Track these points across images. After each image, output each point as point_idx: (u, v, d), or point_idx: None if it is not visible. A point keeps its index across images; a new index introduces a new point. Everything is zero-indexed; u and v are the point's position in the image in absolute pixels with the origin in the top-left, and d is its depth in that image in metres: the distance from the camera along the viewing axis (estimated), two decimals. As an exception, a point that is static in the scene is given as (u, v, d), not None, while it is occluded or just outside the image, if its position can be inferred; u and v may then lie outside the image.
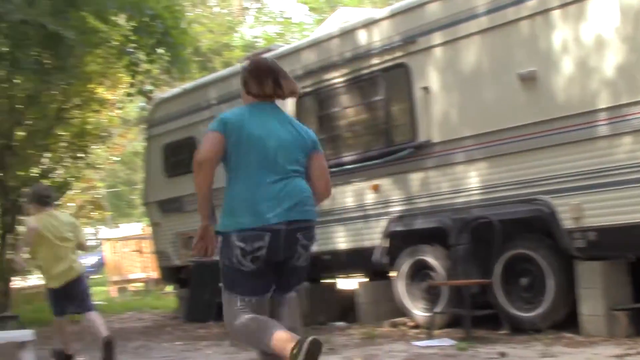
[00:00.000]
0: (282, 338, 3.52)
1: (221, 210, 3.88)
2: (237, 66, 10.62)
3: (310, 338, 3.42)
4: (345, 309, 9.07)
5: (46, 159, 13.07)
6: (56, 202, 7.54)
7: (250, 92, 3.97)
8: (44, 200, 6.91)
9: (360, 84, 8.47)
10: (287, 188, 3.80)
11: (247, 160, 3.81)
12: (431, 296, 7.71)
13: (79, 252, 7.09)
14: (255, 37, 26.71)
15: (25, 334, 5.58)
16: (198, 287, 10.42)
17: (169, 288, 16.11)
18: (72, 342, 7.07)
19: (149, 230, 17.72)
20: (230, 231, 3.77)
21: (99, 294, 20.41)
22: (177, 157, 11.14)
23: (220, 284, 3.90)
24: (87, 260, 30.63)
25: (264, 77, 3.91)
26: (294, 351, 3.40)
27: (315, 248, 8.60)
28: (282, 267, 3.84)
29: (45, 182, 12.55)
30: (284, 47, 10.08)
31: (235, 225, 3.76)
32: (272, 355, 3.63)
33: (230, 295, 3.82)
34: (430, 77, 7.73)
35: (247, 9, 29.45)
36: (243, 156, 3.82)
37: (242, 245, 3.71)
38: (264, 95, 3.93)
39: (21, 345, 5.50)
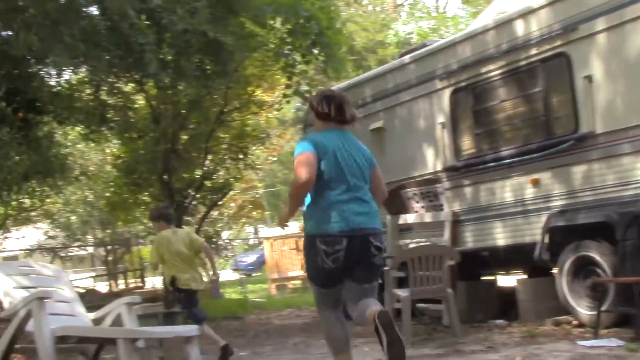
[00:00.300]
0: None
1: (306, 216, 4.66)
2: (392, 63, 10.62)
3: (376, 311, 4.22)
4: (505, 306, 8.84)
5: (208, 161, 13.59)
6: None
7: (320, 116, 4.76)
8: (168, 218, 7.61)
9: (518, 76, 8.23)
10: (359, 200, 4.60)
11: (329, 176, 4.55)
12: (596, 294, 7.34)
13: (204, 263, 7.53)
14: (409, 33, 26.57)
15: (191, 329, 5.81)
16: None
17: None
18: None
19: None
20: (315, 235, 4.55)
21: (259, 291, 21.07)
22: (333, 156, 11.26)
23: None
24: (248, 258, 31.79)
25: (330, 103, 4.70)
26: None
27: (472, 244, 8.58)
28: (358, 264, 4.55)
29: (208, 184, 13.12)
30: (439, 42, 9.97)
31: (320, 230, 4.53)
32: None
33: (312, 285, 4.79)
34: (593, 66, 7.39)
35: (400, 5, 29.38)
36: (326, 173, 4.55)
37: (325, 247, 4.48)
38: (331, 118, 4.70)
39: (187, 339, 5.75)
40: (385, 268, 7.90)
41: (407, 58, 9.95)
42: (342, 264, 4.50)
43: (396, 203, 9.55)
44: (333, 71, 10.55)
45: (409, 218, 9.56)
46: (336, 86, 11.60)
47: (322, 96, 4.83)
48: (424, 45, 10.06)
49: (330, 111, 4.70)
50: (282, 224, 4.94)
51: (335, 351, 4.67)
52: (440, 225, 9.05)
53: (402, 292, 7.63)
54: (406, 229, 9.69)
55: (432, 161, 9.38)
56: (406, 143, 9.80)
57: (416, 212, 9.49)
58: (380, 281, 4.61)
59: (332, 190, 4.54)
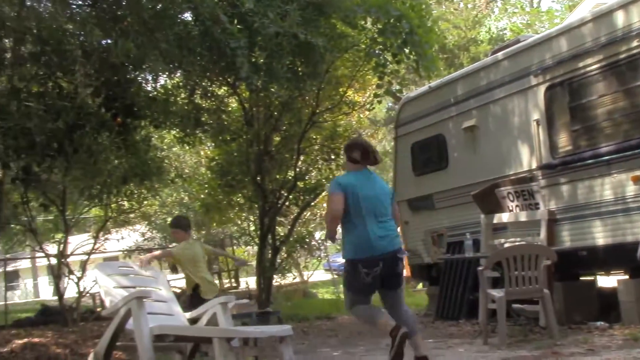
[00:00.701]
0: (385, 322, 5.76)
1: (344, 243, 6.04)
2: (485, 60, 10.44)
3: (403, 329, 5.59)
4: (606, 308, 8.55)
5: (301, 162, 13.68)
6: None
7: (351, 159, 6.09)
8: (187, 227, 8.11)
9: (618, 69, 7.94)
10: (385, 228, 5.91)
11: (359, 210, 5.85)
12: None
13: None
14: (502, 29, 26.08)
15: (284, 329, 5.86)
16: (449, 285, 10.37)
17: (420, 286, 16.21)
18: None
19: (398, 229, 18.03)
20: (356, 260, 5.90)
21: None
22: (425, 156, 11.20)
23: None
24: (341, 258, 31.82)
25: (358, 149, 6.06)
26: (393, 333, 5.59)
27: (570, 244, 8.35)
28: (388, 277, 5.93)
29: (300, 185, 13.19)
30: (533, 37, 9.75)
31: (359, 256, 5.88)
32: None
33: (352, 295, 6.05)
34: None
35: (493, 1, 28.86)
36: (356, 208, 5.85)
37: (366, 270, 5.83)
38: (359, 161, 6.02)
39: (281, 339, 5.80)
40: (479, 268, 7.79)
41: (500, 55, 9.77)
42: (378, 279, 5.86)
43: (490, 202, 9.39)
44: (424, 70, 10.44)
45: (503, 217, 9.38)
46: (427, 85, 11.50)
47: (351, 144, 6.24)
48: (518, 41, 9.86)
49: (357, 156, 6.05)
50: (331, 239, 6.44)
51: (378, 320, 5.85)
52: (535, 224, 8.84)
53: (496, 293, 7.49)
54: (500, 228, 9.52)
55: (527, 159, 9.17)
56: (500, 141, 9.62)
57: (510, 211, 9.30)
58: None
59: (360, 221, 5.84)
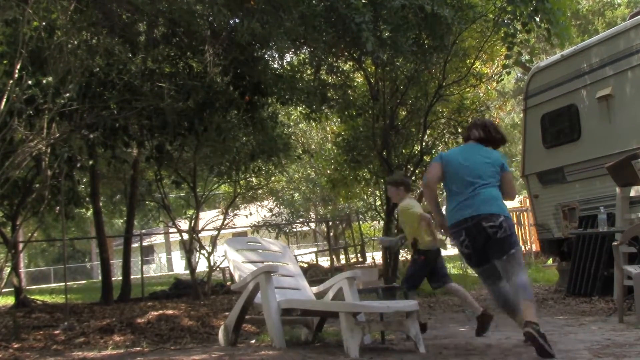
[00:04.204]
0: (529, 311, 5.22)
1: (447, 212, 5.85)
2: (625, 24, 9.91)
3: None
4: None
5: (427, 136, 13.52)
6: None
7: (470, 138, 6.01)
8: (408, 185, 7.96)
9: None
10: (481, 195, 5.58)
11: (456, 180, 5.72)
12: None
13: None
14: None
15: (410, 305, 5.83)
16: (581, 261, 10.03)
17: (550, 261, 15.76)
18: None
19: (527, 202, 17.56)
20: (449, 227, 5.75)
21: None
22: (556, 127, 10.82)
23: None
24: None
25: (477, 128, 6.00)
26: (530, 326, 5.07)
27: None
28: (489, 244, 5.53)
29: (427, 159, 13.06)
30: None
31: (449, 222, 5.74)
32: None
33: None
34: None
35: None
36: (453, 178, 5.74)
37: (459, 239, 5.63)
38: (477, 138, 5.95)
39: (407, 315, 5.78)
40: (615, 243, 7.48)
41: (640, 18, 9.26)
42: (472, 248, 5.63)
43: (626, 174, 8.95)
44: (557, 38, 10.04)
45: (640, 190, 8.95)
46: (560, 53, 11.07)
47: (473, 124, 6.13)
48: (658, 4, 9.30)
49: (477, 132, 6.01)
50: (436, 215, 6.08)
51: (512, 313, 5.69)
52: (676, 198, 8.37)
53: (633, 269, 7.15)
54: (637, 202, 9.08)
55: (668, 129, 8.68)
56: (638, 110, 9.15)
57: (650, 183, 8.84)
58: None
59: (455, 188, 5.71)
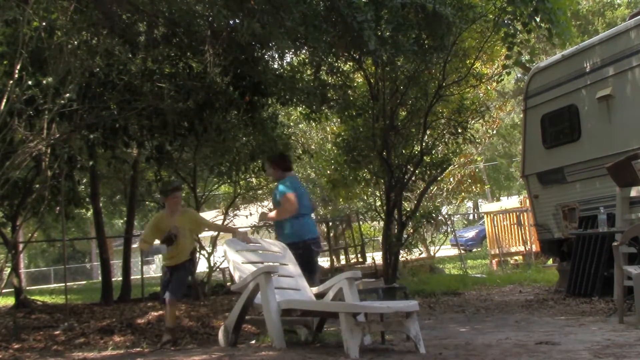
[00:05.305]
0: None
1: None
2: (625, 24, 9.90)
3: None
4: None
5: (427, 136, 13.51)
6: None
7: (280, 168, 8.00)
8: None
9: None
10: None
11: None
12: None
13: None
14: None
15: (411, 305, 5.83)
16: (581, 261, 10.02)
17: (550, 261, 15.76)
18: None
19: (527, 202, 17.55)
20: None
21: (479, 267, 20.78)
22: (556, 127, 10.83)
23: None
24: (468, 233, 31.42)
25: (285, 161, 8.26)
26: None
27: None
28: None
29: (427, 159, 13.05)
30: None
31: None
32: None
33: None
34: None
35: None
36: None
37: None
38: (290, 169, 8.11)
39: (407, 315, 5.78)
40: (615, 243, 7.48)
41: (640, 18, 9.26)
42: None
43: (626, 175, 8.96)
44: (558, 37, 10.02)
45: (640, 190, 8.95)
46: (560, 53, 11.07)
47: (281, 156, 8.31)
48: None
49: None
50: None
51: None
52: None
53: (633, 269, 7.15)
54: (637, 202, 9.08)
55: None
56: (638, 110, 9.15)
57: (650, 184, 8.84)
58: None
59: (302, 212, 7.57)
